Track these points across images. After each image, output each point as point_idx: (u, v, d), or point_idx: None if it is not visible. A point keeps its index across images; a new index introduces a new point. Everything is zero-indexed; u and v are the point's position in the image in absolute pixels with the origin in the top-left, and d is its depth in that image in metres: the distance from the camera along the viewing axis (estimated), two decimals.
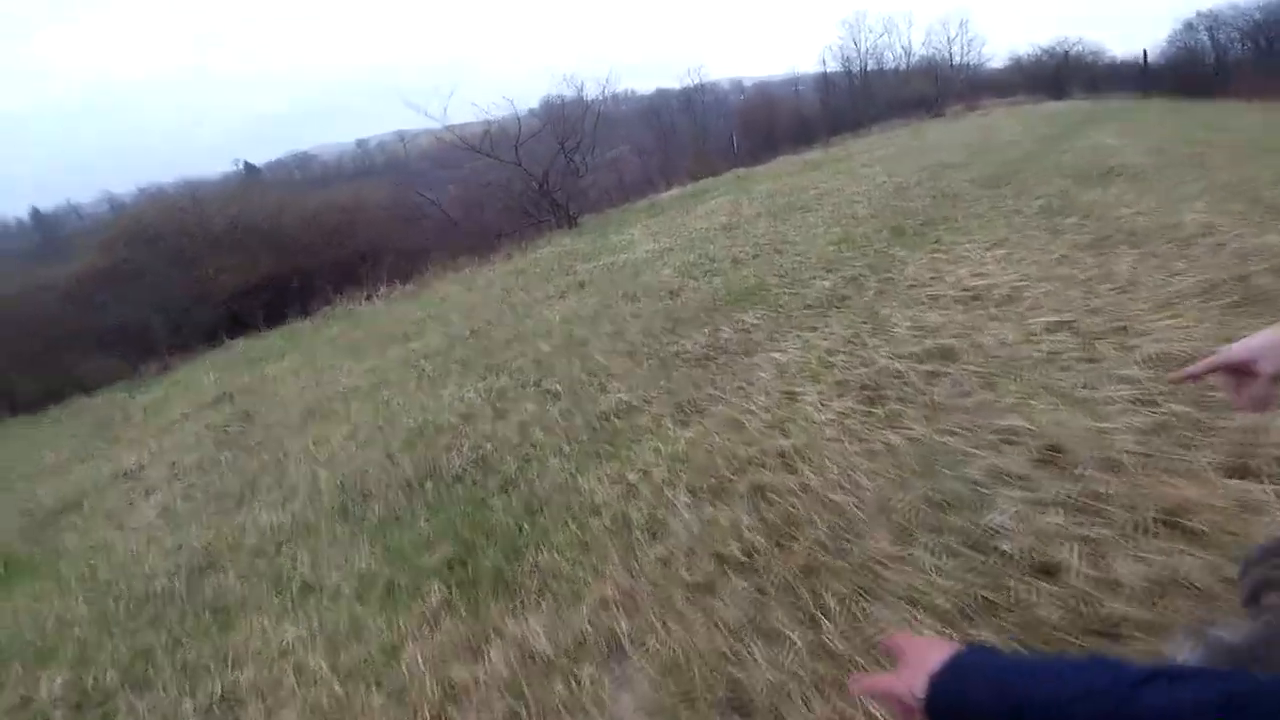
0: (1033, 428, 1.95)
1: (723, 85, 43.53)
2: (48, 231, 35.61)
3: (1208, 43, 32.29)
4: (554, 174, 12.35)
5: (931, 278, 3.74)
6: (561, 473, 2.56)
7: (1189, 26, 32.97)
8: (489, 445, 3.04)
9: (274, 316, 10.68)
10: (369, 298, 9.83)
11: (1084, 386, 2.13)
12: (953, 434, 2.05)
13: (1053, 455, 1.81)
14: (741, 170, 14.23)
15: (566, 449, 2.76)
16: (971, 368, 2.48)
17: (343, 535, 2.64)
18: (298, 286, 10.60)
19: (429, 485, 2.81)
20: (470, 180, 13.98)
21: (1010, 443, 1.93)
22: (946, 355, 2.66)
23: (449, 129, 11.90)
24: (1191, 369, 0.76)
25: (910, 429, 2.16)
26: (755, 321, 3.71)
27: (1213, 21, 31.90)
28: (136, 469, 4.56)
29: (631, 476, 2.36)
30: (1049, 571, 1.43)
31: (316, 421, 4.39)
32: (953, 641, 0.60)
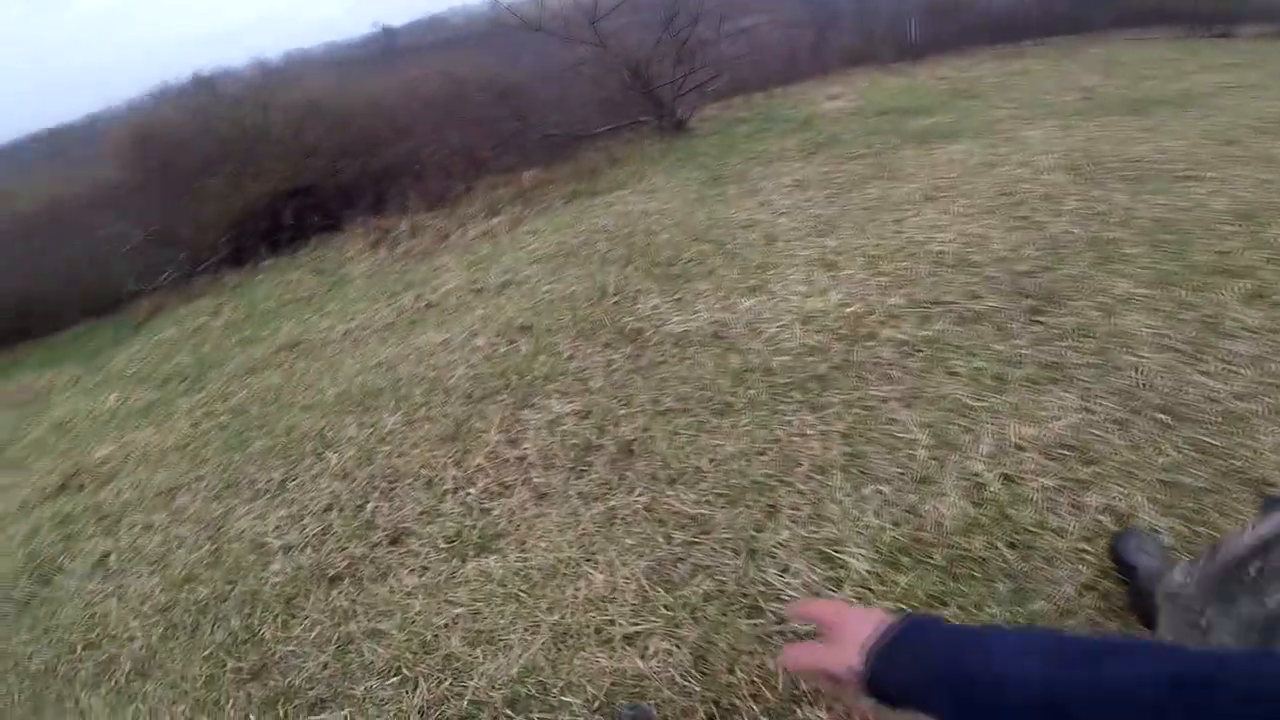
0: None
1: None
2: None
3: None
4: (657, 62, 8.31)
5: None
6: None
7: None
8: None
9: (274, 245, 8.19)
10: (375, 244, 6.91)
11: None
12: None
13: None
14: (949, 71, 9.27)
15: None
16: None
17: None
18: (294, 214, 7.91)
19: None
20: (558, 58, 10.16)
21: None
22: None
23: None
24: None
25: None
26: None
27: None
28: None
29: None
30: None
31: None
32: (884, 611, 0.56)
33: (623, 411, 2.52)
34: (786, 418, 2.27)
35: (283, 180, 8.42)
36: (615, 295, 3.48)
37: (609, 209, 5.21)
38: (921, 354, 2.41)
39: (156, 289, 7.71)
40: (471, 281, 4.46)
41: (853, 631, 0.54)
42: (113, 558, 2.57)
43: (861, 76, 10.03)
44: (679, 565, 1.81)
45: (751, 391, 2.45)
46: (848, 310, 2.79)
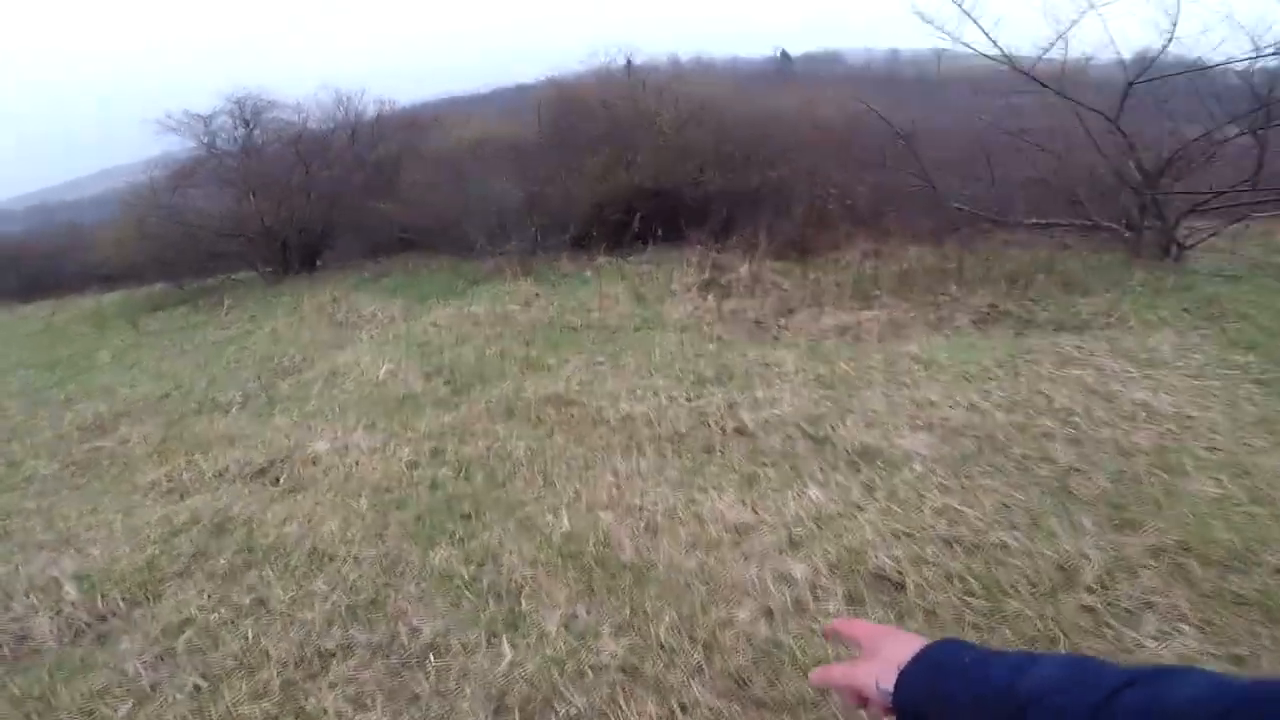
0: None
1: None
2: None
3: None
4: (1187, 157, 5.59)
5: None
6: None
7: None
8: None
9: (616, 244, 7.79)
10: (705, 286, 5.86)
11: None
12: None
13: None
14: None
15: None
16: None
17: None
18: (645, 217, 7.38)
19: None
20: (1000, 122, 7.83)
21: None
22: None
23: (988, 54, 6.09)
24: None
25: None
26: None
27: None
28: None
29: None
30: None
31: None
32: (917, 634, 0.54)
33: None
34: None
35: (649, 177, 8.05)
36: (1093, 589, 1.61)
37: (1064, 368, 3.18)
38: None
39: (503, 253, 7.91)
40: (813, 417, 2.94)
41: (888, 652, 0.52)
42: (185, 635, 1.84)
43: None
44: None
45: None
46: None
